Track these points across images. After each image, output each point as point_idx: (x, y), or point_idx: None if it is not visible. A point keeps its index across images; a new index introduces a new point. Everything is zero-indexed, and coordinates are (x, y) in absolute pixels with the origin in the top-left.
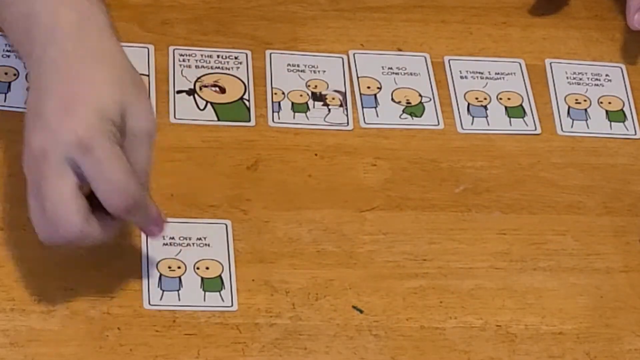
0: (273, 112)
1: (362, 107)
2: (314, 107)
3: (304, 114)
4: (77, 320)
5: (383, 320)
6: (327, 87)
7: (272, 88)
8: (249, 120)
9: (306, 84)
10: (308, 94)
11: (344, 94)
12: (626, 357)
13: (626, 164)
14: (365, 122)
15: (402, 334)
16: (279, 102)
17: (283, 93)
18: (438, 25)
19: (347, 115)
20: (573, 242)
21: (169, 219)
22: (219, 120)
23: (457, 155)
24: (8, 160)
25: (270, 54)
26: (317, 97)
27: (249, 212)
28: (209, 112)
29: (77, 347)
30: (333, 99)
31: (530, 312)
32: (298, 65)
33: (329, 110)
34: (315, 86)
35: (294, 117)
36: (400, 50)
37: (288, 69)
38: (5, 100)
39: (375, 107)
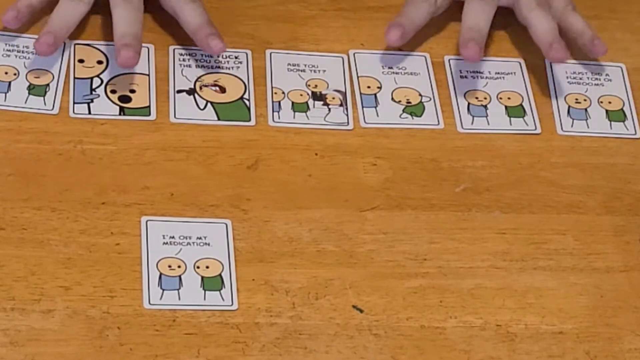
0: (273, 111)
1: (362, 107)
2: (314, 106)
3: (304, 114)
4: (77, 319)
5: (383, 320)
6: (327, 86)
7: (272, 87)
8: (249, 120)
9: (306, 83)
10: (308, 94)
11: (344, 94)
12: (626, 356)
13: (626, 163)
14: (365, 121)
15: (402, 333)
16: (279, 102)
17: (283, 92)
18: (438, 25)
19: (347, 115)
20: (573, 241)
21: (169, 218)
22: (219, 119)
23: (457, 154)
24: (8, 160)
25: (271, 53)
26: (317, 96)
27: (249, 212)
28: (209, 111)
29: (77, 347)
30: (333, 98)
31: (530, 311)
32: (298, 65)
33: (329, 109)
34: (316, 86)
35: (294, 117)
36: (400, 49)
37: (288, 69)
38: (5, 100)
39: (376, 107)
